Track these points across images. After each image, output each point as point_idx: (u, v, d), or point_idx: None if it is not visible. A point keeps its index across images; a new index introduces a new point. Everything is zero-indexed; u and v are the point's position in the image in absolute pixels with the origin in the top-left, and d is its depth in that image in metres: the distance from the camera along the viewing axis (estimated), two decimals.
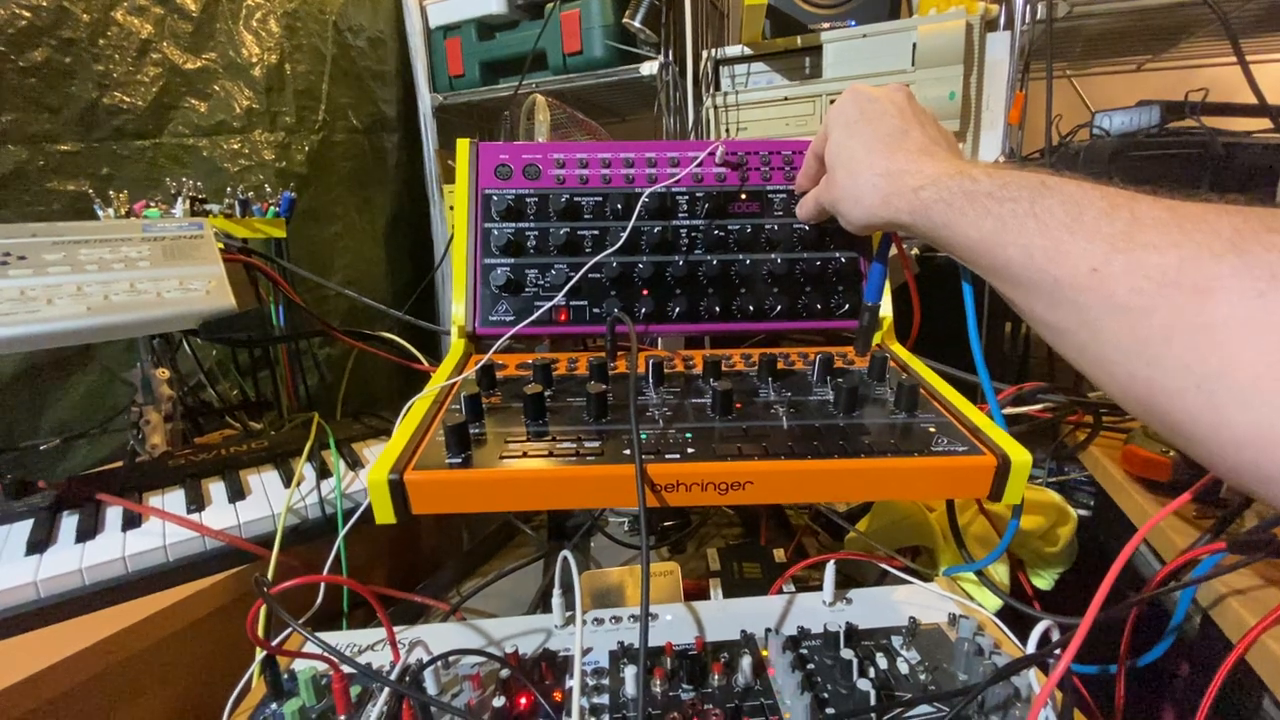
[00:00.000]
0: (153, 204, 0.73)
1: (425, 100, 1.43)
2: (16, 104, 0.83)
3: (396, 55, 1.42)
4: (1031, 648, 0.36)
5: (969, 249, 0.35)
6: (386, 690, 0.38)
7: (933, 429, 0.42)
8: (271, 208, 0.80)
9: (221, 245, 0.66)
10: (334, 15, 1.23)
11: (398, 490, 0.38)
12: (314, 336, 0.92)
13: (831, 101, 1.12)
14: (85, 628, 0.44)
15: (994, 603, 0.53)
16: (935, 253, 0.80)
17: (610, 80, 1.24)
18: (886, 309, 0.56)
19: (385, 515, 0.38)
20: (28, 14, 0.83)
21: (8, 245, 0.51)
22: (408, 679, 0.39)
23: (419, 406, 0.45)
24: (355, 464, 0.63)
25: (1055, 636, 0.36)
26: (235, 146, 1.07)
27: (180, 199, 0.74)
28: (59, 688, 0.41)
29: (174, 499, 0.56)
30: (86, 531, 0.50)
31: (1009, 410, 0.62)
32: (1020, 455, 0.39)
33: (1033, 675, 0.37)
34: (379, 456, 0.39)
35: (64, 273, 0.50)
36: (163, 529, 0.51)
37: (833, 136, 0.46)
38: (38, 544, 0.48)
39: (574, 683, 0.37)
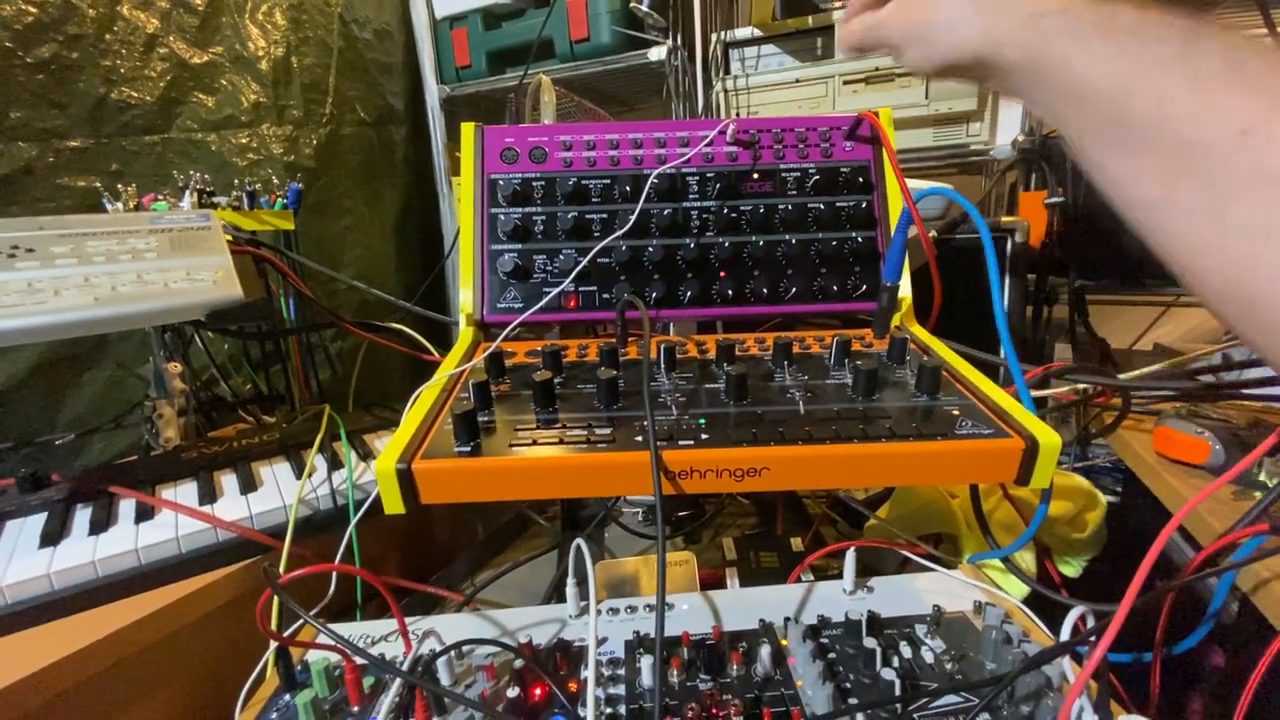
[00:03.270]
0: (161, 197, 0.73)
1: (432, 92, 1.42)
2: (25, 101, 0.83)
3: (403, 47, 1.41)
4: (1065, 635, 0.34)
5: (1084, 95, 0.28)
6: (399, 681, 0.37)
7: (956, 411, 0.41)
8: (279, 200, 0.80)
9: (229, 238, 0.65)
10: (339, 7, 1.22)
11: (406, 480, 0.37)
12: (323, 328, 0.92)
13: (845, 83, 1.10)
14: (98, 620, 0.44)
15: (1020, 590, 0.51)
16: (954, 234, 0.78)
17: (618, 67, 1.22)
18: (906, 289, 0.54)
19: (394, 505, 0.38)
20: (34, 10, 0.83)
21: (15, 238, 0.51)
22: (420, 669, 0.39)
23: (427, 395, 0.44)
24: (367, 455, 0.63)
25: (1089, 624, 0.34)
26: (243, 141, 1.07)
27: (188, 192, 0.74)
28: (73, 680, 0.41)
29: (186, 491, 0.55)
30: (99, 524, 0.50)
31: (1034, 393, 0.60)
32: (1049, 437, 0.37)
33: (1066, 664, 0.35)
34: (387, 446, 0.38)
35: (71, 264, 0.50)
36: (175, 521, 0.50)
37: None
38: (51, 537, 0.48)
39: (588, 673, 0.36)
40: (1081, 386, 0.60)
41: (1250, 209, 0.23)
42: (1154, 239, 0.28)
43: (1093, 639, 0.32)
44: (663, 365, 0.47)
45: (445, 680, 0.39)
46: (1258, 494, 0.45)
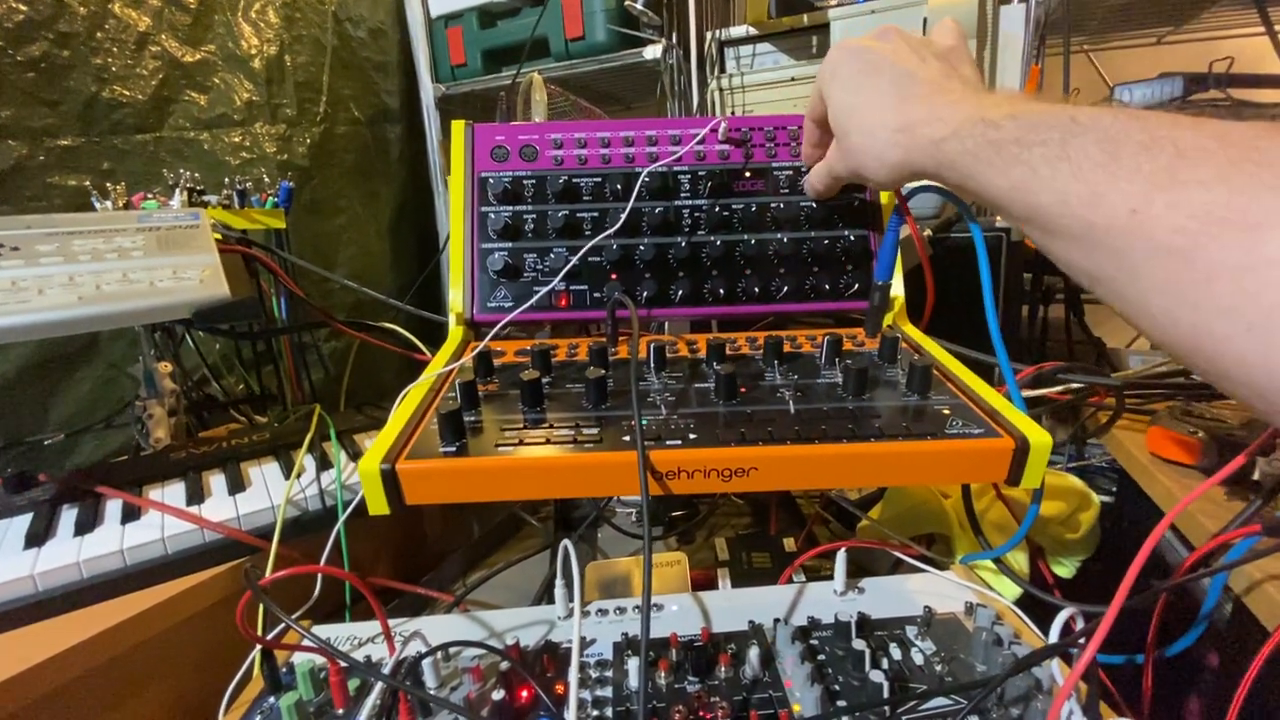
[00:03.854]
0: (151, 196, 0.73)
1: (427, 91, 1.42)
2: (16, 99, 0.83)
3: (398, 45, 1.40)
4: (1054, 637, 0.34)
5: (998, 199, 0.33)
6: (381, 684, 0.37)
7: (947, 411, 0.40)
8: (270, 198, 0.80)
9: (219, 237, 0.65)
10: (333, 5, 1.21)
11: (390, 480, 0.36)
12: (314, 328, 0.92)
13: None
14: (83, 621, 0.44)
15: (1012, 591, 0.51)
16: (949, 232, 0.78)
17: (613, 65, 1.22)
18: (898, 288, 0.54)
19: (378, 506, 0.37)
20: (24, 8, 0.83)
21: (1, 236, 0.51)
22: (403, 672, 0.38)
23: (414, 395, 0.44)
24: (356, 455, 0.63)
25: (1079, 625, 0.34)
26: (236, 139, 1.07)
27: (178, 190, 0.74)
28: (57, 681, 0.41)
29: (174, 491, 0.55)
30: (85, 524, 0.49)
31: (1027, 392, 0.59)
32: (1039, 437, 0.37)
33: (1055, 666, 0.35)
34: (371, 446, 0.38)
35: (56, 263, 0.50)
36: (161, 521, 0.50)
37: (833, 100, 0.43)
38: (36, 537, 0.48)
39: (572, 675, 0.36)
40: (1075, 386, 0.59)
41: (1159, 277, 0.26)
42: (1104, 302, 0.31)
43: (1082, 640, 0.32)
44: (652, 365, 0.47)
45: (430, 682, 0.39)
46: (1251, 495, 0.44)
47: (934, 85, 0.39)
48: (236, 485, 0.56)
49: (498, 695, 0.37)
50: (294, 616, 0.38)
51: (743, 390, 0.43)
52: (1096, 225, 0.28)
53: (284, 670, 0.42)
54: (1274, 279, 0.22)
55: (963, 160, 0.34)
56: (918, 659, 0.40)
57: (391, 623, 0.44)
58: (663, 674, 0.39)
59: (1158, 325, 0.27)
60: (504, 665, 0.39)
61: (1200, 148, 0.25)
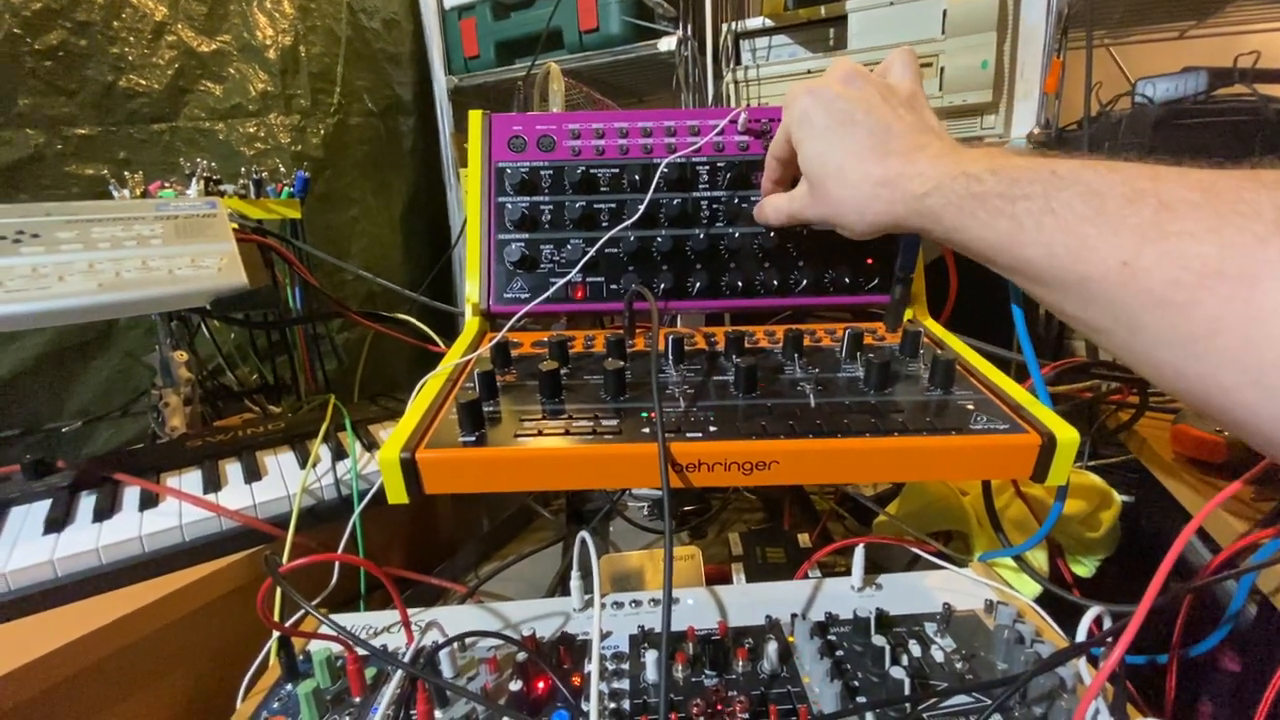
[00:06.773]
0: (168, 185, 0.73)
1: (440, 82, 1.42)
2: (33, 88, 0.83)
3: (411, 37, 1.40)
4: (1081, 636, 0.33)
5: (984, 251, 0.33)
6: (400, 672, 0.37)
7: (971, 406, 0.40)
8: (286, 188, 0.80)
9: (235, 226, 0.65)
10: None
11: (410, 469, 0.36)
12: (329, 318, 0.92)
13: None
14: (102, 607, 0.44)
15: (1031, 590, 0.50)
16: None
17: (627, 57, 1.21)
18: (919, 283, 0.53)
19: (398, 495, 0.37)
20: None
21: (21, 223, 0.51)
22: (421, 661, 0.38)
23: (432, 385, 0.44)
24: (371, 445, 0.63)
25: (1105, 625, 0.33)
26: (251, 130, 1.07)
27: (194, 179, 0.74)
28: (75, 666, 0.41)
29: (191, 479, 0.55)
30: (104, 511, 0.50)
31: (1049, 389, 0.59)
32: (1067, 433, 0.36)
33: (1082, 665, 0.35)
34: (391, 435, 0.38)
35: (76, 250, 0.50)
36: (179, 509, 0.50)
37: (805, 147, 0.42)
38: (55, 523, 0.48)
39: (592, 667, 0.35)
40: (1098, 383, 0.58)
41: (1160, 329, 0.26)
42: (1107, 351, 0.31)
43: (1110, 640, 0.32)
44: (670, 357, 0.46)
45: (447, 672, 0.39)
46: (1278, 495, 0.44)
47: (911, 139, 0.38)
48: (253, 474, 0.56)
49: (514, 686, 0.37)
50: (312, 604, 0.38)
51: (762, 384, 0.43)
52: (1089, 277, 0.28)
53: (301, 658, 0.42)
54: (1275, 331, 0.22)
55: (947, 213, 0.34)
56: (938, 656, 0.39)
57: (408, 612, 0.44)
58: (680, 667, 0.39)
59: (1165, 377, 0.27)
60: (520, 656, 0.39)
61: (1184, 199, 0.25)
